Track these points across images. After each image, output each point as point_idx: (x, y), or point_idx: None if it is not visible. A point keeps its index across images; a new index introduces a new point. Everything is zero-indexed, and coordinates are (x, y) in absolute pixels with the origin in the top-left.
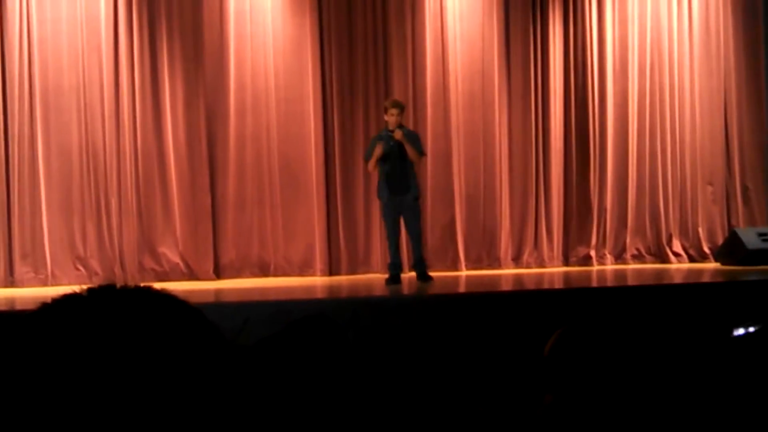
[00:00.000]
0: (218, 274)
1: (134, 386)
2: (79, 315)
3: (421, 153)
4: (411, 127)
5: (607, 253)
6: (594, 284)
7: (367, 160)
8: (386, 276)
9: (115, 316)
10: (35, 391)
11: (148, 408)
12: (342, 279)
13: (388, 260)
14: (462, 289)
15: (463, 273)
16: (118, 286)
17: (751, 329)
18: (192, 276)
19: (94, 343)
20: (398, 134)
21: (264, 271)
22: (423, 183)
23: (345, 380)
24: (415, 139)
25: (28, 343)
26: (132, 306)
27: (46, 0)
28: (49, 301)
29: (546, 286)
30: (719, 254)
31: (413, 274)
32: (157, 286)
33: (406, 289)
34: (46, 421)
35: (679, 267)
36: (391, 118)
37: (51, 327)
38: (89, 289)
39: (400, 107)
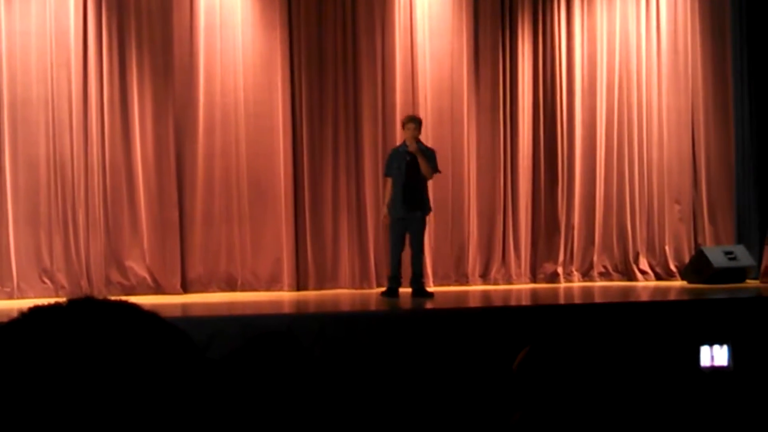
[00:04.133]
0: (185, 289)
1: (114, 402)
2: (61, 325)
3: (435, 170)
4: (379, 142)
5: (574, 270)
6: (561, 301)
7: (387, 176)
8: (383, 289)
9: (99, 330)
10: (10, 402)
11: (126, 422)
12: (309, 294)
13: (388, 273)
14: (430, 305)
15: (431, 289)
16: (100, 298)
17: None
18: (159, 290)
19: (74, 356)
20: (413, 146)
21: (231, 286)
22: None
23: (305, 397)
24: (431, 154)
25: (5, 352)
26: (118, 321)
27: (15, 13)
28: (26, 310)
29: (513, 303)
30: (686, 272)
31: (410, 289)
32: (125, 300)
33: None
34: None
35: (645, 285)
36: (407, 132)
37: (32, 336)
38: (70, 301)
39: (417, 122)
